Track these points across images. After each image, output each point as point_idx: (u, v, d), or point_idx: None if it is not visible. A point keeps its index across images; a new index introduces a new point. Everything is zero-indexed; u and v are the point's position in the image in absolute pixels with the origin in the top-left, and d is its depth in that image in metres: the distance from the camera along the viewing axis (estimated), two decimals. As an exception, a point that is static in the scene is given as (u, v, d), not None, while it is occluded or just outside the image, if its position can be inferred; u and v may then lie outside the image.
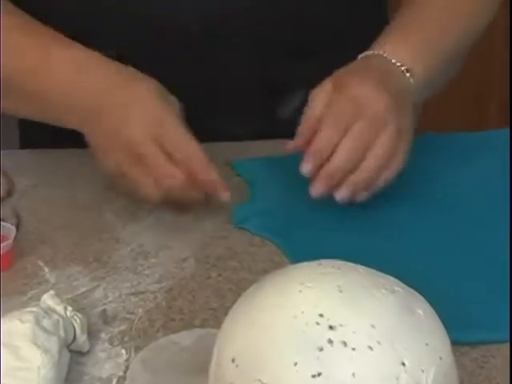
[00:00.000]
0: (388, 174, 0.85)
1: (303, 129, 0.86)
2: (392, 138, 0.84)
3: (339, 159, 0.83)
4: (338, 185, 0.84)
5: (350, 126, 0.83)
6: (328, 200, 0.86)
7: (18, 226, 0.87)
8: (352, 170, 0.84)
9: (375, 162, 0.84)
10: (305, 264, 0.62)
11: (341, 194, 0.85)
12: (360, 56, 0.91)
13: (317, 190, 0.84)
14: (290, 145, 0.87)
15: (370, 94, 0.84)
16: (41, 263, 0.83)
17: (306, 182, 0.93)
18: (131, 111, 0.85)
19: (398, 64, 0.89)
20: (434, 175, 0.98)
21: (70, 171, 1.00)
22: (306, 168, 0.84)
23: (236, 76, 1.01)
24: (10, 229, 0.84)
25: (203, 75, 0.99)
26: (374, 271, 0.62)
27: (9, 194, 0.95)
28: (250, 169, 0.99)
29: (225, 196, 0.86)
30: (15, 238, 0.83)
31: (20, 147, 1.19)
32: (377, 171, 0.84)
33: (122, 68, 0.89)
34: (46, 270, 0.82)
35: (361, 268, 0.62)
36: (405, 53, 0.89)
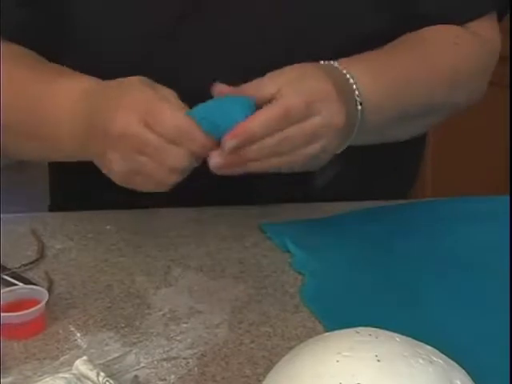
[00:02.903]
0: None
1: (252, 89, 0.85)
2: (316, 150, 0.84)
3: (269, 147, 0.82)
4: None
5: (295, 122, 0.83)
6: (361, 266, 0.85)
7: (50, 290, 0.87)
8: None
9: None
10: (342, 332, 0.62)
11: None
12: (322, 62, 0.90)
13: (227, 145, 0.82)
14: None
15: (330, 110, 0.84)
16: (72, 328, 0.83)
17: (339, 247, 0.94)
18: (118, 107, 0.83)
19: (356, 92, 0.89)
20: (456, 241, 0.98)
21: (101, 234, 1.00)
22: (229, 143, 0.81)
23: None
24: (42, 292, 0.84)
25: None
26: (411, 340, 0.62)
27: (40, 255, 0.95)
28: (281, 232, 0.99)
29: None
30: (47, 302, 0.83)
31: (49, 210, 1.20)
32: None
33: (111, 81, 0.89)
34: (78, 334, 0.82)
35: (398, 337, 0.61)
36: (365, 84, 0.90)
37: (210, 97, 0.91)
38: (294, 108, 0.82)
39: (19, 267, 0.92)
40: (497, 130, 1.96)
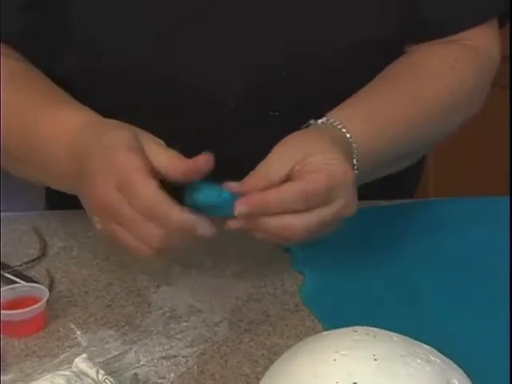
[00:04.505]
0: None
1: (253, 184, 0.79)
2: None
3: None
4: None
5: (313, 207, 0.79)
6: (361, 266, 0.85)
7: (50, 288, 0.88)
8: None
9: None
10: (340, 331, 0.62)
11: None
12: (320, 121, 0.88)
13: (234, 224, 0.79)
14: (234, 187, 0.79)
15: (345, 198, 0.81)
16: (73, 326, 0.83)
17: (339, 246, 0.94)
18: (96, 168, 0.79)
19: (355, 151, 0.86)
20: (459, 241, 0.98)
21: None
22: (241, 210, 0.77)
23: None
24: (43, 290, 0.84)
25: (238, 150, 0.95)
26: (409, 339, 0.62)
27: (41, 253, 0.95)
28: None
29: (206, 231, 0.76)
30: (48, 299, 0.83)
31: (45, 208, 1.20)
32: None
33: (101, 124, 0.84)
34: (78, 332, 0.82)
35: (396, 336, 0.62)
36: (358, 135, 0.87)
37: (210, 96, 0.91)
38: (315, 194, 0.79)
39: (21, 265, 0.93)
40: (497, 130, 1.96)
